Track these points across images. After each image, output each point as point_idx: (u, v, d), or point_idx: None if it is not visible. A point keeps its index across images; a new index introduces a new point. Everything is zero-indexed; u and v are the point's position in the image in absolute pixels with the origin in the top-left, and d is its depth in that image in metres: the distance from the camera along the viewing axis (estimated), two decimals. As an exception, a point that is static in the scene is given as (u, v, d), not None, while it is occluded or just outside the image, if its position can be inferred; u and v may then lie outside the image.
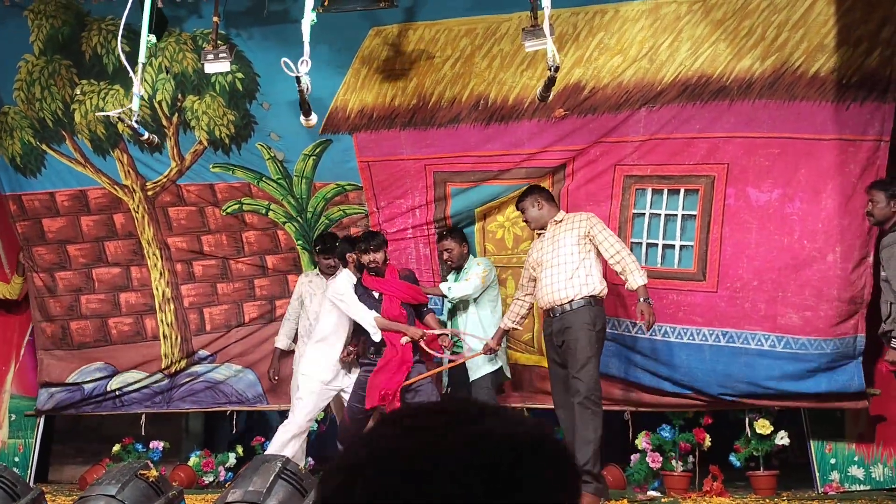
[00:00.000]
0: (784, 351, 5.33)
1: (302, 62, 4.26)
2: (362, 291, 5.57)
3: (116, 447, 6.23)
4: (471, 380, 5.66)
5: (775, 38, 5.20)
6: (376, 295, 5.48)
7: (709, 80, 5.34)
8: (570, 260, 4.94)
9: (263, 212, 6.15)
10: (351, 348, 5.58)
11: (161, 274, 6.28)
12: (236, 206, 6.15)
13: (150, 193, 6.12)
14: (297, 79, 4.33)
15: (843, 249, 5.27)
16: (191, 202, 6.17)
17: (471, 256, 5.86)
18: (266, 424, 7.32)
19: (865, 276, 5.25)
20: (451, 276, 5.82)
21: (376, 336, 5.27)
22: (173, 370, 6.32)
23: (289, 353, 6.06)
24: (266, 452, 5.54)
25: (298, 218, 6.15)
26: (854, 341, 5.25)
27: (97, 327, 6.37)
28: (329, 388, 5.62)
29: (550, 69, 4.26)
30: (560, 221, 5.12)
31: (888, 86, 5.19)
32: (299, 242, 6.21)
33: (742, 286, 5.43)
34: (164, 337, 6.31)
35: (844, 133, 5.29)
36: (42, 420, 6.46)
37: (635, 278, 4.81)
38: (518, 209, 5.40)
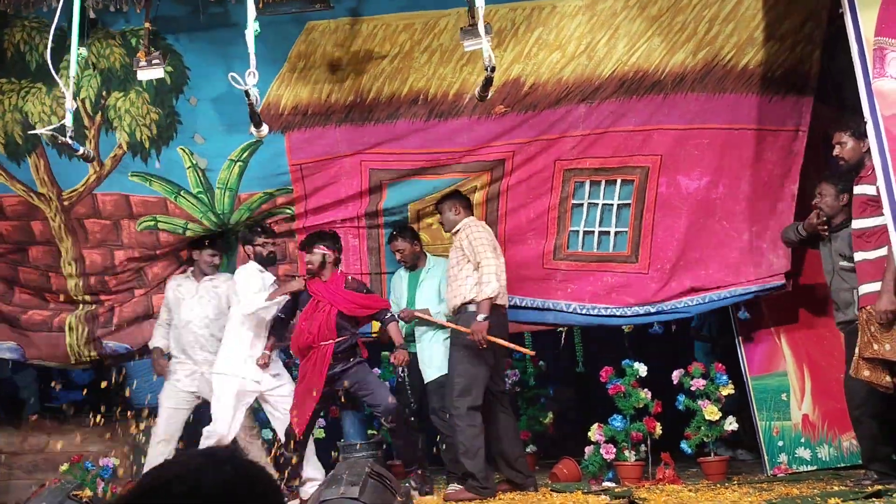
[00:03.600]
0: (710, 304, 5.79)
1: (249, 74, 4.10)
2: (306, 297, 5.39)
3: (65, 466, 5.79)
4: (425, 382, 5.59)
5: (707, 32, 5.33)
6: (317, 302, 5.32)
7: (645, 74, 5.43)
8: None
9: (180, 231, 5.82)
10: (267, 352, 5.36)
11: (76, 285, 5.92)
12: (151, 223, 5.81)
13: (66, 203, 5.73)
14: (246, 92, 4.15)
15: (758, 229, 5.66)
16: (106, 215, 5.77)
17: (430, 257, 5.79)
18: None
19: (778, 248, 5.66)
20: (401, 272, 5.84)
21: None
22: (83, 362, 6.08)
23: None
24: None
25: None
26: (775, 288, 5.67)
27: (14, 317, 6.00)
28: (250, 384, 5.33)
29: (487, 69, 4.24)
30: (456, 233, 5.43)
31: (808, 80, 5.47)
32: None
33: (671, 266, 5.74)
34: (71, 329, 5.94)
35: (765, 124, 5.57)
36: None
37: (482, 290, 5.11)
38: (436, 209, 5.62)
